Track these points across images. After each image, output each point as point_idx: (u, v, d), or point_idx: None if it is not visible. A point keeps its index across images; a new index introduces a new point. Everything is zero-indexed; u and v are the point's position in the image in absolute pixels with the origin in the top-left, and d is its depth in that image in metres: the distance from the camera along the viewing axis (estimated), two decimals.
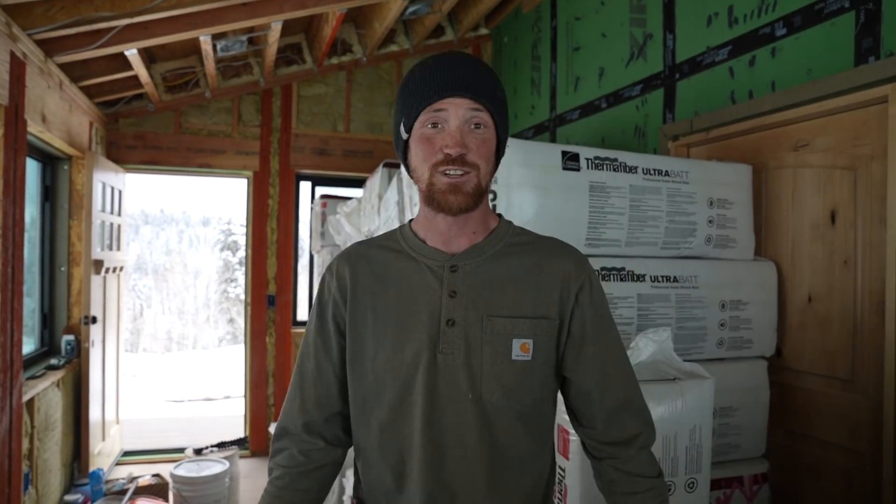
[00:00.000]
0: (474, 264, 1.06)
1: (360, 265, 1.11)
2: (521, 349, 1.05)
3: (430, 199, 1.02)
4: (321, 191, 4.89)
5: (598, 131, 3.53)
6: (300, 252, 5.08)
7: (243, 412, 4.93)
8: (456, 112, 0.99)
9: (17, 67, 2.76)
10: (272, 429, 4.23)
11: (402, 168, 1.17)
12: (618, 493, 1.10)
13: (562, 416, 1.61)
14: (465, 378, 1.03)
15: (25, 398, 2.97)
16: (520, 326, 1.05)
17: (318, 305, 1.13)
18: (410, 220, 1.15)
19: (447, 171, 0.99)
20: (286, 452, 1.12)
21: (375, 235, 1.21)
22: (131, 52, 3.41)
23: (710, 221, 2.22)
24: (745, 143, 2.50)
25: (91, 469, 3.81)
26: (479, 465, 1.04)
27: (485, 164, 1.02)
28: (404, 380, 1.04)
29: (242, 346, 5.43)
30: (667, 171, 2.16)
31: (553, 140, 4.08)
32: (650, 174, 2.13)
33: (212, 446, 3.90)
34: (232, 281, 29.70)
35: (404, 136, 1.04)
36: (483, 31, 5.14)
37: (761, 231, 2.42)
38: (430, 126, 1.00)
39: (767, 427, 2.23)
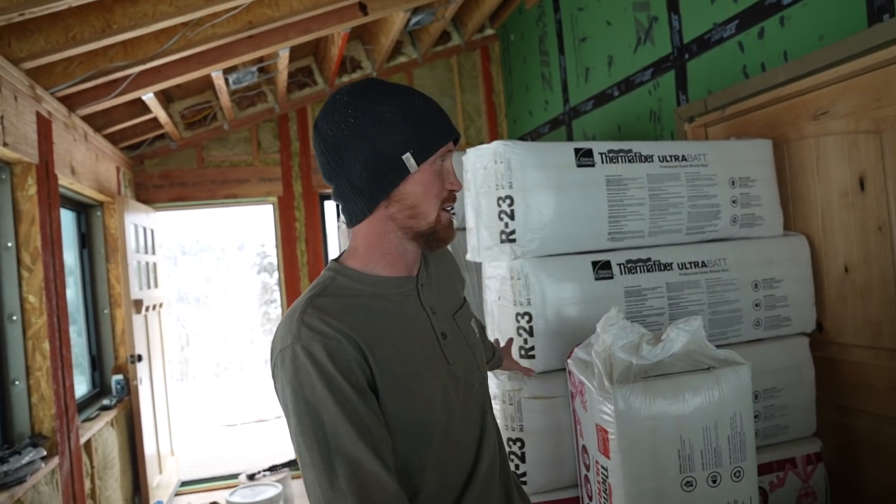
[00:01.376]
0: (425, 277, 1.11)
1: (347, 322, 0.96)
2: (475, 329, 1.20)
3: (432, 234, 1.03)
4: None
5: (614, 120, 3.50)
6: None
7: None
8: (451, 154, 1.05)
9: (44, 126, 2.87)
10: None
11: (357, 204, 1.01)
12: None
13: (600, 416, 1.61)
14: (476, 375, 1.12)
15: (83, 440, 3.07)
16: (466, 312, 1.19)
17: (344, 379, 0.91)
18: (337, 264, 1.07)
19: (447, 208, 1.03)
20: None
21: (306, 291, 1.04)
22: (148, 97, 3.51)
23: (733, 201, 2.18)
24: (763, 118, 2.45)
25: (152, 501, 3.92)
26: (498, 437, 1.16)
27: None
28: (443, 407, 1.02)
29: None
30: (683, 156, 2.13)
31: (569, 133, 4.06)
32: (667, 161, 2.10)
33: (264, 470, 3.98)
34: (272, 302, 30.13)
35: (413, 168, 0.99)
36: (489, 31, 5.13)
37: (789, 205, 2.37)
38: (439, 162, 1.02)
39: (816, 405, 2.18)
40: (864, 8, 1.95)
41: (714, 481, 1.54)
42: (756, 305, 2.14)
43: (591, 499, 1.75)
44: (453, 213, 1.05)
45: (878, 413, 2.10)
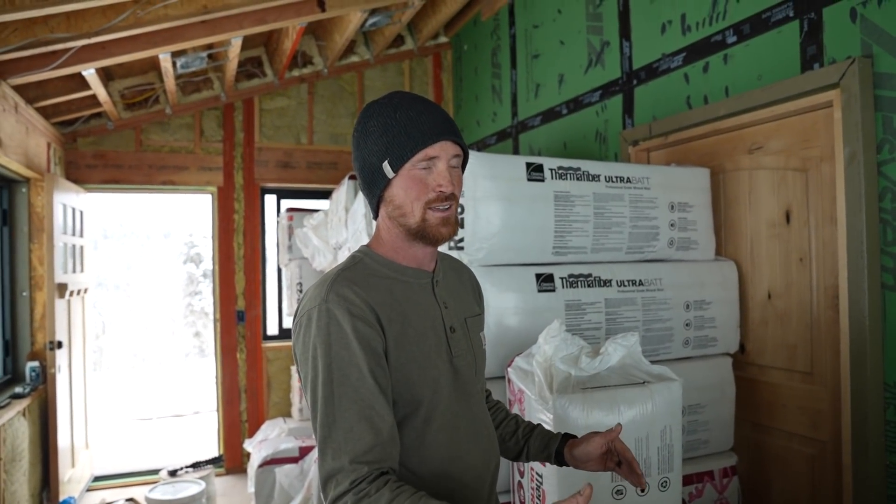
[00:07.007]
0: (442, 278, 1.22)
1: (372, 296, 1.07)
2: (483, 340, 1.29)
3: (421, 233, 1.11)
4: (287, 204, 4.87)
5: (560, 137, 3.60)
6: (267, 266, 5.04)
7: (216, 429, 4.87)
8: (445, 155, 1.11)
9: None
10: (247, 445, 4.20)
11: (364, 202, 1.20)
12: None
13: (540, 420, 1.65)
14: (475, 373, 1.21)
15: None
16: (479, 322, 1.28)
17: (358, 340, 1.02)
18: (366, 248, 1.18)
19: (438, 207, 1.10)
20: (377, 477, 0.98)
21: (337, 266, 1.16)
22: (89, 72, 3.36)
23: (671, 225, 2.30)
24: (703, 147, 2.59)
25: (61, 497, 3.72)
26: (494, 440, 1.24)
27: (459, 196, 1.15)
28: (435, 391, 1.11)
29: (210, 360, 5.34)
30: (628, 178, 2.22)
31: (516, 146, 4.14)
32: (613, 181, 2.19)
33: (186, 467, 3.85)
34: (196, 294, 29.10)
35: (391, 175, 1.09)
36: (442, 39, 5.18)
37: (721, 232, 2.51)
38: (421, 167, 1.10)
39: (734, 421, 2.31)
40: (798, 55, 2.10)
41: (642, 490, 1.61)
42: (686, 325, 2.26)
43: None
44: (445, 212, 1.11)
45: (788, 430, 2.25)
